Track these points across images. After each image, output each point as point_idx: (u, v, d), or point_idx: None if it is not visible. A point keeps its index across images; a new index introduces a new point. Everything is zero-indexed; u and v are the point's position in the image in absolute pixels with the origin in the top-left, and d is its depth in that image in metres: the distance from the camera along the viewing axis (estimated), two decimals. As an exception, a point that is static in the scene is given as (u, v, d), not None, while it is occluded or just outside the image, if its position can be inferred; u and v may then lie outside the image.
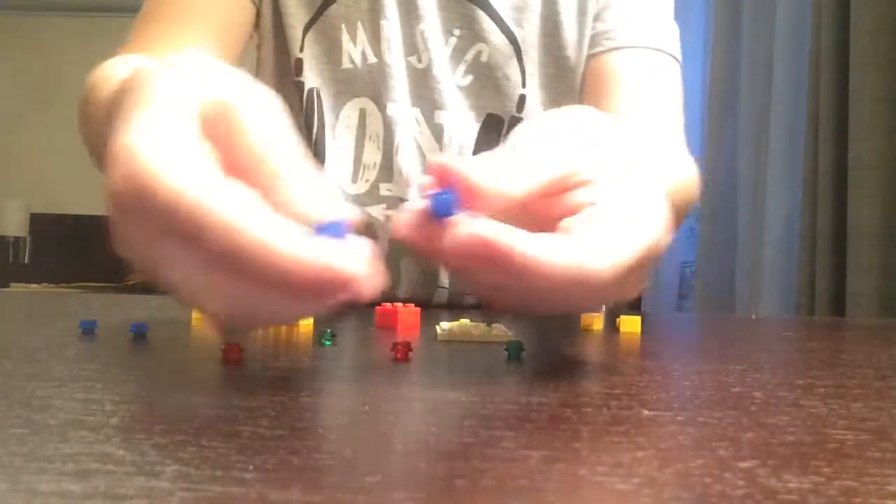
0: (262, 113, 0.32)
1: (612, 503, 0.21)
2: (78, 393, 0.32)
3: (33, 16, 3.57)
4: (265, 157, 0.31)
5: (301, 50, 0.81)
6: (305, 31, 0.81)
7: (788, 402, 0.34)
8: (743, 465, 0.24)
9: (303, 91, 0.81)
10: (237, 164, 0.31)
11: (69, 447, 0.24)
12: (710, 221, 2.13)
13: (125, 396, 0.31)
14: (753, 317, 1.11)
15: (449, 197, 0.32)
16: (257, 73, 0.84)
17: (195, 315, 0.59)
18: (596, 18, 0.83)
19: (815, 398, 0.35)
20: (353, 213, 0.32)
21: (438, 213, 0.32)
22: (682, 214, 0.77)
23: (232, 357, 0.39)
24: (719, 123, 2.11)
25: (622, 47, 0.81)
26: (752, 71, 2.05)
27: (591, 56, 0.83)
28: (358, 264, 0.28)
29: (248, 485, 0.21)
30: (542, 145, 0.35)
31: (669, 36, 0.84)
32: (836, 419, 0.31)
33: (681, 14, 0.92)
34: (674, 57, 0.83)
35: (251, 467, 0.22)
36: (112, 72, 0.65)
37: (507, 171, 0.33)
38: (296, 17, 0.80)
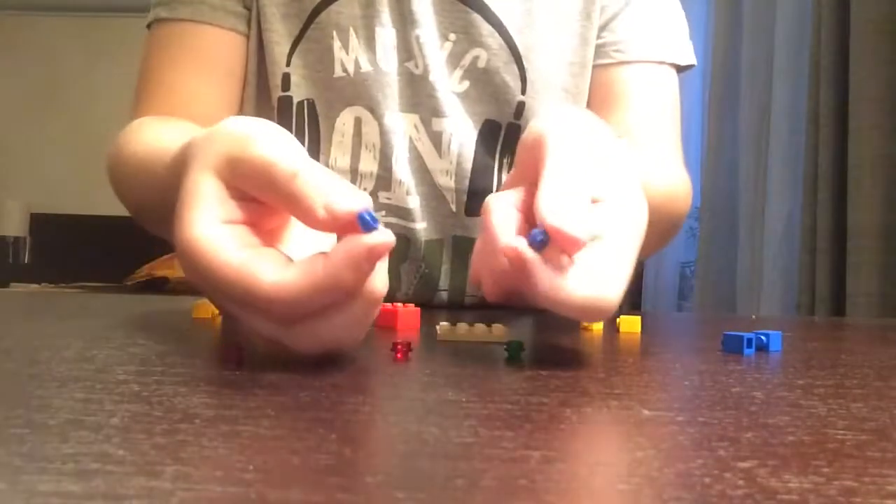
0: (268, 140, 0.38)
1: (612, 503, 0.21)
2: (78, 393, 0.32)
3: (33, 16, 3.56)
4: (273, 165, 0.37)
5: (288, 64, 0.79)
6: (295, 43, 0.79)
7: (788, 402, 0.34)
8: (743, 465, 0.24)
9: (292, 105, 0.80)
10: (264, 190, 0.38)
11: (69, 447, 0.24)
12: (710, 221, 2.13)
13: (125, 396, 0.31)
14: (753, 317, 1.11)
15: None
16: (244, 93, 0.83)
17: (194, 315, 0.59)
18: (604, 28, 0.83)
19: (815, 398, 0.35)
20: (366, 198, 0.36)
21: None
22: (660, 226, 0.80)
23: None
24: (719, 123, 2.11)
25: (630, 62, 0.83)
26: (752, 71, 2.05)
27: (599, 67, 0.84)
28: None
29: (248, 485, 0.21)
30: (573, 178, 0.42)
31: (676, 42, 0.86)
32: (836, 419, 0.31)
33: (681, 14, 0.93)
34: (676, 65, 0.86)
35: (251, 467, 0.22)
36: (144, 136, 0.70)
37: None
38: (280, 32, 0.78)
